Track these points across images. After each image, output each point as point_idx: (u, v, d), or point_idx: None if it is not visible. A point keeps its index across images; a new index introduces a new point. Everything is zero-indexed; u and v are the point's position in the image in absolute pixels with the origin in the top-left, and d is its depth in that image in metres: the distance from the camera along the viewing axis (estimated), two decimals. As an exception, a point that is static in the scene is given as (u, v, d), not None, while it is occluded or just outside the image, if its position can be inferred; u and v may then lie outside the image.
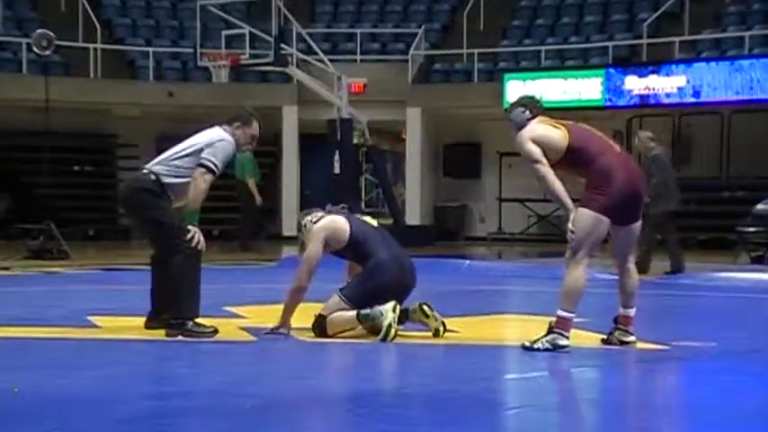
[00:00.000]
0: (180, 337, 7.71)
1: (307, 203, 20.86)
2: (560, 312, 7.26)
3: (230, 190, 26.50)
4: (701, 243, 22.57)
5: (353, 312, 7.72)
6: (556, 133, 7.43)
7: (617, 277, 7.67)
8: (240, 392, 5.87)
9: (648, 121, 24.19)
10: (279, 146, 25.54)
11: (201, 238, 7.90)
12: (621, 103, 23.25)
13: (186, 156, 7.95)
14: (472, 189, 26.42)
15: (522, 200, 25.40)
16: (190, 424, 5.14)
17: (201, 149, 7.89)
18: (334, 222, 7.96)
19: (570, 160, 7.38)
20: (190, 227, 7.90)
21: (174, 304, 7.85)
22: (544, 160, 7.33)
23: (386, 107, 24.36)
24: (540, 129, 7.47)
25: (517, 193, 25.53)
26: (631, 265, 7.63)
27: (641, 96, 22.96)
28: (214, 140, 7.91)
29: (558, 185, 7.31)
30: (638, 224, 7.55)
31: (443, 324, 7.87)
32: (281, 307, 8.18)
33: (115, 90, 24.34)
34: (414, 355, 7.39)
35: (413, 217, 24.90)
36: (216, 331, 7.87)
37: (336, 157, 22.06)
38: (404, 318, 7.80)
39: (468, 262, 16.28)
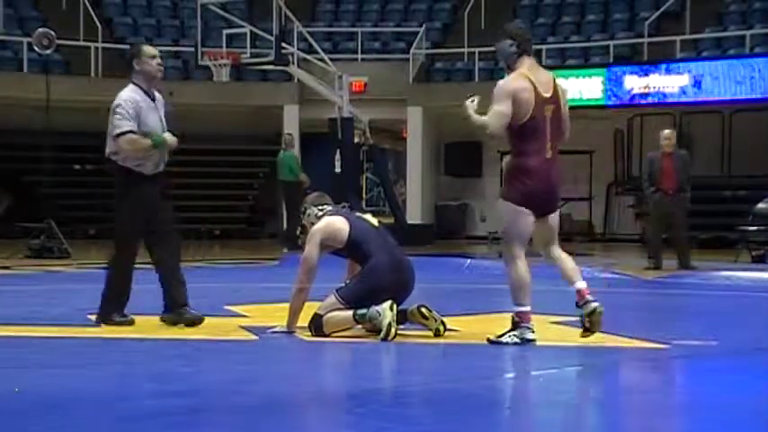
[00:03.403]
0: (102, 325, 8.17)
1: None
2: (517, 308, 7.37)
3: (231, 189, 26.62)
4: (702, 242, 22.57)
5: (350, 312, 7.72)
6: (528, 102, 7.37)
7: (553, 267, 7.68)
8: (241, 391, 5.87)
9: (649, 120, 24.22)
10: (280, 144, 25.53)
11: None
12: (622, 102, 23.25)
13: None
14: (473, 188, 26.42)
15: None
16: (190, 422, 5.14)
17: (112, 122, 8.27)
18: (331, 224, 7.94)
19: (516, 132, 7.42)
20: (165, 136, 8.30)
21: (103, 294, 8.36)
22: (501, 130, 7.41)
23: (387, 106, 24.37)
24: (524, 85, 7.40)
25: (518, 191, 25.50)
26: (558, 251, 7.64)
27: (642, 95, 22.96)
28: (114, 108, 8.25)
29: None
30: (556, 214, 7.63)
31: (443, 323, 7.86)
32: (281, 306, 8.19)
33: (116, 89, 23.89)
34: (414, 354, 7.38)
35: (414, 216, 24.90)
36: (132, 322, 8.24)
37: (337, 155, 22.06)
38: (402, 318, 7.79)
39: (468, 261, 16.29)
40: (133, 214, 8.21)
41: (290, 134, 21.36)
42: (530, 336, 7.32)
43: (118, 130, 8.11)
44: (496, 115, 7.39)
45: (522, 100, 7.36)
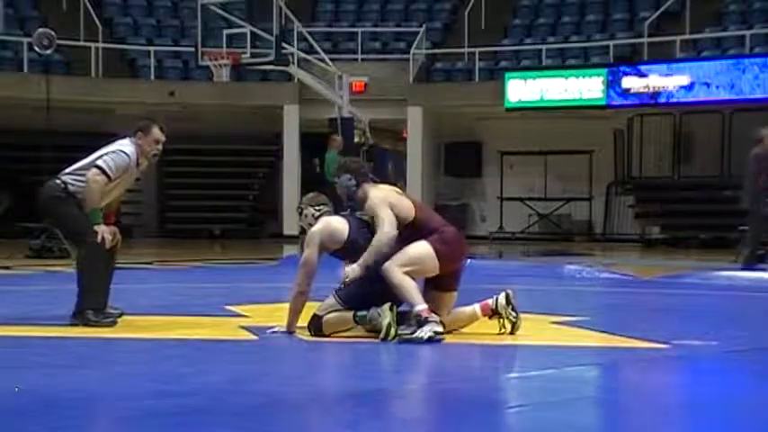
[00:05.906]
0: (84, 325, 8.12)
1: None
2: (418, 308, 7.55)
3: (231, 189, 26.64)
4: (702, 242, 22.59)
5: (350, 313, 7.71)
6: (404, 202, 7.89)
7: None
8: (240, 391, 5.87)
9: (649, 120, 24.23)
10: (280, 145, 25.58)
11: (108, 236, 8.31)
12: (622, 102, 23.26)
13: (90, 165, 8.37)
14: (473, 188, 26.43)
15: (523, 198, 25.42)
16: (190, 422, 5.13)
17: (102, 156, 8.38)
18: (329, 224, 7.91)
19: (411, 232, 7.79)
20: (95, 227, 8.28)
21: (78, 295, 8.29)
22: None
23: (387, 106, 24.38)
24: (393, 196, 7.91)
25: (518, 191, 25.56)
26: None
27: (642, 95, 22.97)
28: (115, 149, 8.39)
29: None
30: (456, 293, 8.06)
31: (442, 324, 7.85)
32: (281, 306, 8.19)
33: (116, 89, 24.37)
34: (413, 354, 7.38)
35: (414, 216, 24.86)
36: (115, 322, 8.22)
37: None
38: (401, 319, 7.78)
39: (468, 261, 16.23)
40: (81, 212, 8.34)
41: (336, 135, 20.90)
42: (439, 328, 7.49)
43: (103, 166, 8.28)
44: (389, 223, 7.72)
45: (397, 204, 7.84)
